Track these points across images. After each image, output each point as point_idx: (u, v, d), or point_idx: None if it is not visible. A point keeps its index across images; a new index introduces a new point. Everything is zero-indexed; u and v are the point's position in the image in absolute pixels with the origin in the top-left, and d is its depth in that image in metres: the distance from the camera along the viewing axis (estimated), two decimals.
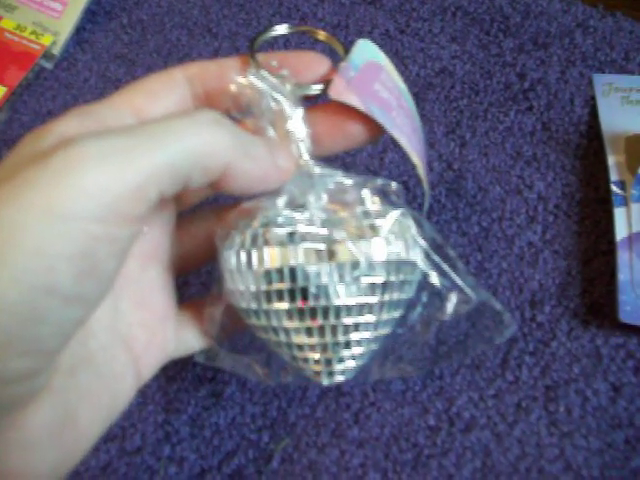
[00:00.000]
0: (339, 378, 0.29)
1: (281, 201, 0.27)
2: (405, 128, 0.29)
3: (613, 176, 0.42)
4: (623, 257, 0.39)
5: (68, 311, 0.20)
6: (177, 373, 0.38)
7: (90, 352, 0.25)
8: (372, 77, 0.29)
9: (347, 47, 0.29)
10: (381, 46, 0.50)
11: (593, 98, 0.48)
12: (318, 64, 0.29)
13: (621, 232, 0.39)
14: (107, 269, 0.21)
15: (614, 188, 0.41)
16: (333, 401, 0.37)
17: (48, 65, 0.52)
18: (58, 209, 0.19)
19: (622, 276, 0.38)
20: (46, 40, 0.52)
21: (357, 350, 0.28)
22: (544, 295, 0.39)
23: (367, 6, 0.54)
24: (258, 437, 0.36)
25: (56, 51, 0.53)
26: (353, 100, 0.27)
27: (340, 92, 0.27)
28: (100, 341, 0.25)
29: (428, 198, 0.33)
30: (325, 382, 0.29)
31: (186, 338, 0.30)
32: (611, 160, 0.43)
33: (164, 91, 0.27)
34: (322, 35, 0.31)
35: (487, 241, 0.42)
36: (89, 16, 0.55)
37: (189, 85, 0.28)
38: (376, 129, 0.28)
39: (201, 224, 0.31)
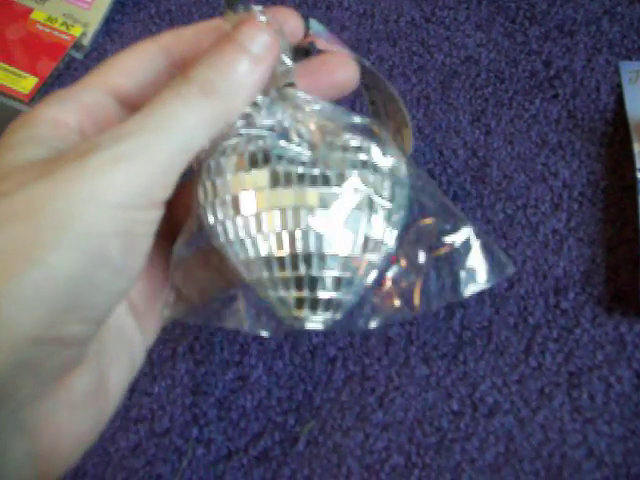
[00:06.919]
0: (317, 320, 0.27)
1: (268, 125, 0.27)
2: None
3: (639, 164, 0.42)
4: None
5: (117, 282, 0.24)
6: (205, 357, 0.39)
7: (110, 320, 0.27)
8: (335, 40, 0.33)
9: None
10: (407, 34, 0.51)
11: (619, 85, 0.47)
12: (293, 18, 0.31)
13: None
14: (143, 247, 0.25)
15: (639, 176, 0.41)
16: (358, 385, 0.38)
17: (78, 55, 0.53)
18: (103, 199, 0.22)
19: None
20: (76, 31, 0.53)
21: (335, 294, 0.27)
22: (568, 282, 0.40)
23: None
24: (284, 420, 0.37)
25: (86, 42, 0.54)
26: (336, 49, 0.31)
27: (325, 45, 0.31)
28: (116, 311, 0.27)
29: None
30: (301, 325, 0.27)
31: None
32: (637, 148, 0.43)
33: (138, 66, 0.29)
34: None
35: (512, 228, 0.42)
36: (118, 7, 0.56)
37: (165, 55, 0.29)
38: (355, 75, 0.31)
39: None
